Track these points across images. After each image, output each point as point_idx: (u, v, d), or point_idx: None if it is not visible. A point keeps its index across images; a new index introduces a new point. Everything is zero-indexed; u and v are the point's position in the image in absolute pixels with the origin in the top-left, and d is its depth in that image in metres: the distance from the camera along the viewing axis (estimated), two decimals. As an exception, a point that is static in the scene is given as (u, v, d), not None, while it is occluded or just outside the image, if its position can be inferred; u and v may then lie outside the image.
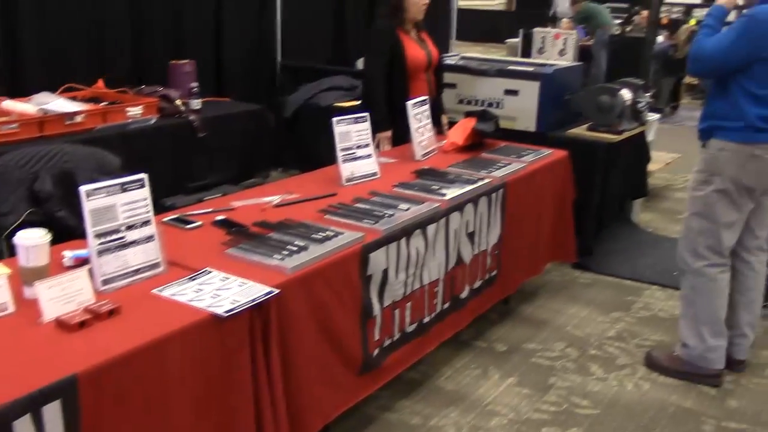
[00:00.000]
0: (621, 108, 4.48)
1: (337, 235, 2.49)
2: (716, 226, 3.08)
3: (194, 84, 4.59)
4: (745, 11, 2.95)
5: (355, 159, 3.20)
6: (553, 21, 12.24)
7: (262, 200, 2.88)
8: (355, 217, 2.71)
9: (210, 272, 2.16)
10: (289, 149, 5.69)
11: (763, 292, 3.35)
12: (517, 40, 8.63)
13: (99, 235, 2.01)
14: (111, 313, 1.88)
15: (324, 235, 2.48)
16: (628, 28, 11.17)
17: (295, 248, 2.34)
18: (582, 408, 3.02)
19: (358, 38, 6.60)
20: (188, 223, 2.58)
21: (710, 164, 3.07)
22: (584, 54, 8.76)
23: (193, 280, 2.11)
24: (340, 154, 3.14)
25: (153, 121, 4.20)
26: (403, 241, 2.70)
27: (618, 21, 11.20)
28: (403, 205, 2.86)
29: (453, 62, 4.87)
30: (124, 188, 2.07)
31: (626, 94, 4.53)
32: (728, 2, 3.10)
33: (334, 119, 3.15)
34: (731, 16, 3.25)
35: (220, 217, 2.65)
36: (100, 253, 2.01)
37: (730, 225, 3.08)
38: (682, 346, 3.25)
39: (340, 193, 3.01)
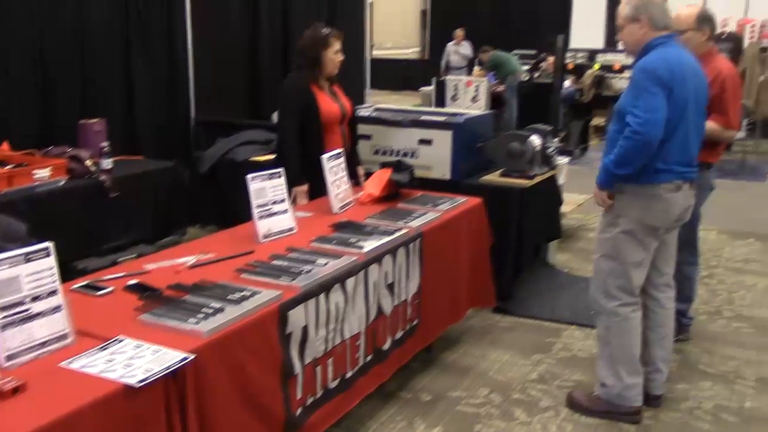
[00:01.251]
0: (531, 154, 4.62)
1: (254, 294, 2.46)
2: (625, 266, 3.18)
3: (105, 143, 4.49)
4: (640, 67, 3.05)
5: (272, 215, 3.19)
6: (447, 70, 12.81)
7: (177, 261, 2.82)
8: (273, 274, 2.69)
9: (122, 340, 2.10)
10: (207, 205, 5.63)
11: (674, 327, 3.47)
12: (430, 88, 8.82)
13: (2, 309, 1.94)
14: (16, 390, 1.80)
15: (241, 295, 2.44)
16: (535, 74, 11.60)
17: (210, 310, 2.30)
18: (508, 453, 3.04)
19: (273, 92, 6.62)
20: (99, 290, 2.50)
21: (615, 207, 3.18)
22: (495, 100, 9.03)
23: (104, 350, 2.04)
24: (255, 211, 3.12)
25: (62, 183, 4.09)
26: (322, 296, 2.69)
27: (526, 67, 11.63)
28: (321, 260, 2.85)
29: (367, 113, 4.95)
30: (27, 258, 2.00)
31: (535, 140, 4.68)
32: (602, 204, 3.20)
33: (249, 176, 3.14)
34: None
35: (132, 282, 2.58)
36: (4, 327, 1.93)
37: (638, 264, 3.19)
38: (601, 386, 3.32)
39: (257, 250, 2.99)
